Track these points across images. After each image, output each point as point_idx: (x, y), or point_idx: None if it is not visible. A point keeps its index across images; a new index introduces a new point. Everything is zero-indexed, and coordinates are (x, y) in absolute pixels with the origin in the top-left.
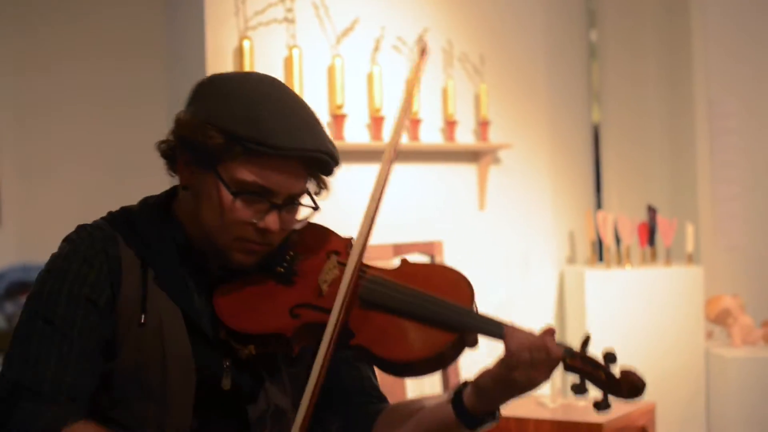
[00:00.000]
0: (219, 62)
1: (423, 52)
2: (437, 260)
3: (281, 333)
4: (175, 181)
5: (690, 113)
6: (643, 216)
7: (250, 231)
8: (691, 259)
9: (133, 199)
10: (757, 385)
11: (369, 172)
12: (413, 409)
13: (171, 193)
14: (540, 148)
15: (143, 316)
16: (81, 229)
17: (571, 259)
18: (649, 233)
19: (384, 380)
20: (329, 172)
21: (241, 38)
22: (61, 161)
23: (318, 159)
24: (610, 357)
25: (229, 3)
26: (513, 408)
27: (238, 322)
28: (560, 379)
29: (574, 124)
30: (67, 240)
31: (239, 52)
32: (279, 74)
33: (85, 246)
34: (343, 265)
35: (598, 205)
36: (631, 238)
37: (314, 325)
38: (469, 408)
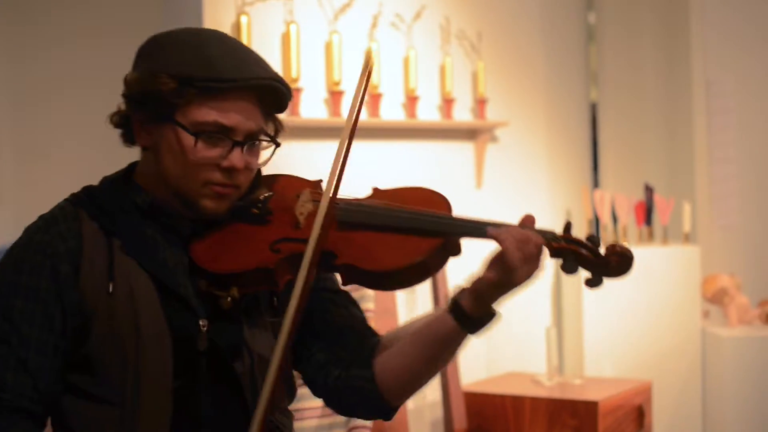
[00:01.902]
0: None
1: (368, 65)
2: None
3: (264, 267)
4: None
5: (687, 93)
6: (640, 195)
7: (217, 173)
8: (687, 238)
9: None
10: (753, 364)
11: (365, 148)
12: (411, 328)
13: (130, 167)
14: (537, 126)
15: (111, 284)
16: (39, 218)
17: None
18: (646, 212)
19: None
20: (284, 103)
21: (239, 14)
22: (58, 143)
23: (272, 87)
24: (593, 239)
25: None
26: (509, 386)
27: (219, 265)
28: (556, 357)
29: (572, 103)
30: (26, 230)
31: (237, 27)
32: (277, 50)
33: (41, 233)
34: (317, 201)
35: (595, 183)
36: (627, 217)
37: (296, 256)
38: (469, 312)
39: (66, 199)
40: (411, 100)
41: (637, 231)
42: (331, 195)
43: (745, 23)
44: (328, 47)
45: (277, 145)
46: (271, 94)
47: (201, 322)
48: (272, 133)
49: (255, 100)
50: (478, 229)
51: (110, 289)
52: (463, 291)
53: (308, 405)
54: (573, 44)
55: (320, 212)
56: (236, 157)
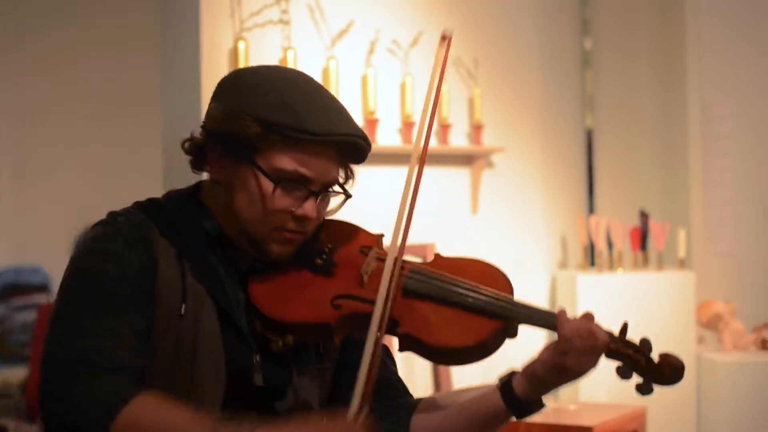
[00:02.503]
0: (214, 63)
1: (444, 39)
2: None
3: (325, 322)
4: (188, 179)
5: (683, 119)
6: (635, 221)
7: (289, 219)
8: (682, 264)
9: (126, 200)
10: (748, 390)
11: (362, 173)
12: (453, 401)
13: (197, 186)
14: (533, 152)
15: (183, 306)
16: (115, 214)
17: (563, 264)
18: (641, 238)
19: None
20: (363, 157)
21: (237, 39)
22: (55, 164)
23: (354, 144)
24: (646, 344)
25: (225, 4)
26: None
27: (278, 312)
28: None
29: (568, 129)
30: (102, 223)
31: (234, 53)
32: None
33: (126, 229)
34: (382, 259)
35: (591, 209)
36: (623, 243)
37: (356, 315)
38: (520, 396)
39: (133, 208)
40: (407, 126)
41: (632, 257)
42: (396, 262)
43: (740, 49)
44: (326, 73)
45: (349, 196)
46: (353, 149)
47: (255, 357)
48: (344, 181)
49: (335, 153)
50: (545, 319)
51: (182, 311)
52: (515, 373)
53: None
54: (569, 70)
55: (384, 280)
56: (310, 207)
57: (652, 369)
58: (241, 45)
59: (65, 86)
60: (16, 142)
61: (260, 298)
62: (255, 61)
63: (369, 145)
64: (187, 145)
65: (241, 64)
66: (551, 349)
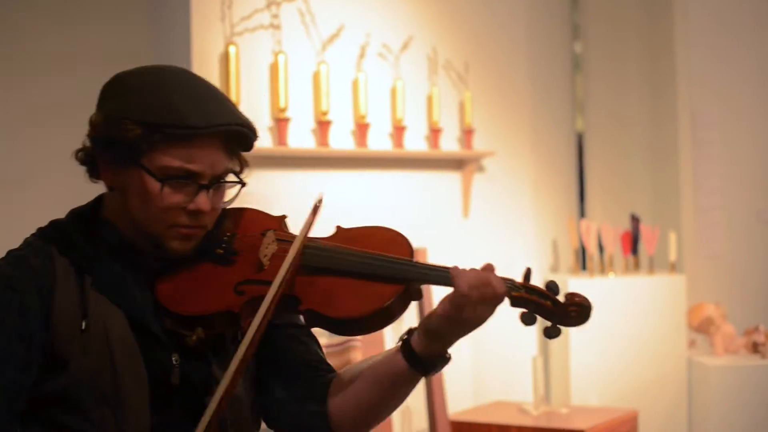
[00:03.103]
0: (205, 68)
1: (316, 209)
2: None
3: (229, 310)
4: (97, 190)
5: (673, 123)
6: (626, 224)
7: (182, 215)
8: (673, 267)
9: None
10: (739, 393)
11: (353, 178)
12: (362, 367)
13: (98, 200)
14: (524, 156)
15: (84, 322)
16: (8, 253)
17: (555, 267)
18: (632, 242)
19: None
20: (250, 144)
21: (227, 44)
22: (44, 170)
23: (237, 132)
24: (552, 286)
25: (215, 9)
26: (496, 415)
27: (183, 307)
28: (543, 386)
29: (558, 133)
30: None
31: (225, 57)
32: (265, 80)
33: (10, 268)
34: (282, 240)
35: (582, 213)
36: (614, 247)
37: (259, 299)
38: (419, 353)
39: (34, 235)
40: (398, 130)
41: (623, 260)
42: (299, 247)
43: (729, 55)
44: (316, 77)
45: (243, 184)
46: (238, 137)
47: (173, 358)
48: (238, 170)
49: (221, 143)
50: (440, 275)
51: (83, 326)
52: (412, 331)
53: None
54: (559, 74)
55: (290, 253)
56: (202, 201)
57: (558, 311)
58: (231, 49)
59: (55, 93)
60: (5, 148)
61: (165, 296)
62: (246, 65)
63: (253, 131)
64: (80, 155)
65: (232, 69)
66: (447, 302)
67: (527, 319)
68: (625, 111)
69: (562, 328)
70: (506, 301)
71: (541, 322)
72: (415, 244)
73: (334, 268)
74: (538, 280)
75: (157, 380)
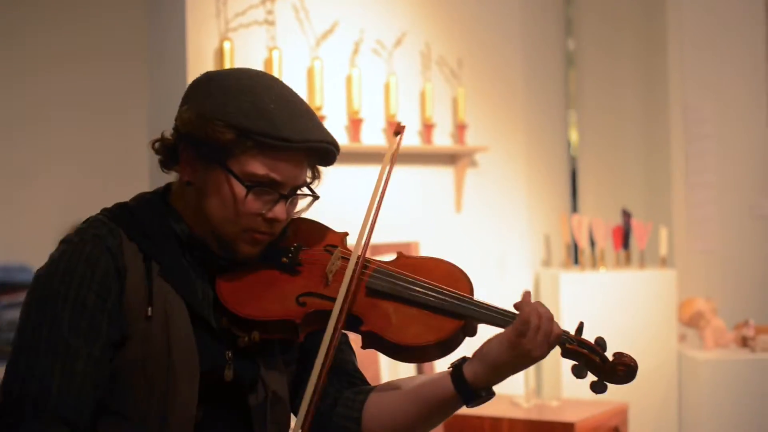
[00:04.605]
0: (200, 63)
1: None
2: None
3: (290, 319)
4: (160, 179)
5: (665, 119)
6: (617, 219)
7: (259, 221)
8: (664, 262)
9: (112, 200)
10: (729, 387)
11: (348, 173)
12: (405, 385)
13: (166, 188)
14: (516, 151)
15: (150, 308)
16: (80, 229)
17: (547, 262)
18: (624, 237)
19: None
20: (331, 161)
21: (222, 40)
22: (42, 165)
23: (325, 150)
24: (601, 342)
25: (210, 5)
26: (487, 408)
27: (244, 309)
28: (534, 379)
29: (551, 129)
30: (67, 241)
31: (220, 53)
32: None
33: (90, 246)
34: (347, 258)
35: (574, 208)
36: (605, 242)
37: (320, 313)
38: (469, 381)
39: (101, 214)
40: (392, 126)
41: (614, 255)
42: (359, 262)
43: (722, 50)
44: (310, 73)
45: (316, 197)
46: (323, 154)
47: (227, 353)
48: (310, 180)
49: (306, 157)
50: (503, 319)
51: (149, 313)
52: (465, 359)
53: None
54: (552, 70)
55: (347, 276)
56: (280, 210)
57: (606, 368)
58: (226, 45)
59: (52, 89)
60: (4, 144)
61: (227, 295)
62: (240, 61)
63: (338, 149)
64: (157, 145)
65: (227, 65)
66: (509, 330)
67: (578, 372)
68: (618, 106)
69: (609, 385)
70: (559, 351)
71: (588, 376)
72: (408, 238)
73: (401, 295)
74: (530, 274)
75: (209, 374)
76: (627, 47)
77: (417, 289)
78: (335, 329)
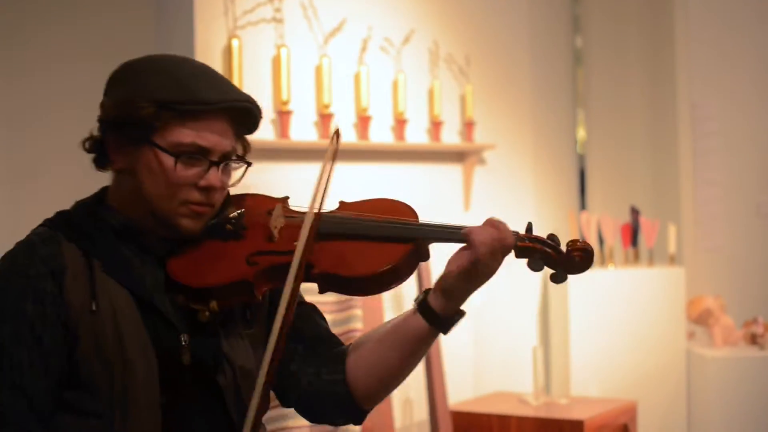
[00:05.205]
0: (208, 61)
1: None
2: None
3: (244, 279)
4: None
5: (673, 116)
6: (626, 217)
7: (194, 192)
8: (673, 260)
9: None
10: (738, 384)
11: (355, 170)
12: (377, 333)
13: (101, 191)
14: (525, 149)
15: (93, 303)
16: (16, 245)
17: None
18: (632, 234)
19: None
20: (255, 124)
21: (230, 37)
22: (49, 164)
23: (246, 109)
24: (554, 237)
25: (218, 2)
26: (496, 406)
27: (197, 279)
28: (543, 377)
29: (559, 126)
30: (3, 257)
31: (228, 51)
32: (267, 73)
33: (21, 258)
34: (289, 216)
35: (582, 206)
36: (614, 239)
37: (272, 268)
38: (439, 312)
39: (41, 225)
40: (400, 123)
41: (623, 253)
42: (316, 209)
43: (729, 48)
44: (318, 70)
45: (248, 164)
46: (245, 115)
47: (182, 337)
48: (242, 153)
49: (229, 121)
50: (451, 232)
51: (93, 307)
52: (429, 291)
53: (296, 424)
54: (560, 68)
55: (306, 224)
56: (213, 177)
57: (562, 258)
58: (234, 43)
59: (57, 87)
60: (7, 143)
61: (178, 272)
62: (249, 59)
63: (259, 109)
64: (87, 144)
65: (235, 62)
66: (461, 260)
67: (534, 266)
68: (626, 104)
69: (569, 275)
70: (512, 252)
71: (547, 272)
72: None
73: (346, 232)
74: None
75: (167, 360)
76: (634, 45)
77: (363, 223)
78: (296, 277)
